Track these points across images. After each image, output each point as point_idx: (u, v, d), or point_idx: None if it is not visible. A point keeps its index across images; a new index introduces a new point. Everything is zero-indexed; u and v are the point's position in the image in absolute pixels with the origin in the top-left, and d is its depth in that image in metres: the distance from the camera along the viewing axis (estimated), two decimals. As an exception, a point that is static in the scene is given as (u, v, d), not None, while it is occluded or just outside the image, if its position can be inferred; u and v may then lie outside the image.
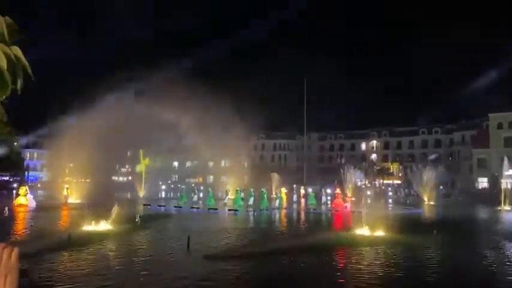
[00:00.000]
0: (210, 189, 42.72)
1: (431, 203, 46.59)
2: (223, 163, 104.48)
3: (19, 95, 2.47)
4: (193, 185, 67.21)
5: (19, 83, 2.38)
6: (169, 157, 70.39)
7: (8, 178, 73.37)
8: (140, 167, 56.14)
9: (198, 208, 35.50)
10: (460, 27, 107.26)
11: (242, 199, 38.75)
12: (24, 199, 32.82)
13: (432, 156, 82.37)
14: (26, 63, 2.40)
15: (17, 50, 2.37)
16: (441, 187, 62.31)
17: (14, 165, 63.29)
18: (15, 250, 1.22)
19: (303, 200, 47.27)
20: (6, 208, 28.06)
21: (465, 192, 62.15)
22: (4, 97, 2.23)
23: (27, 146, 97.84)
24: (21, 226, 22.96)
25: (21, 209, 30.57)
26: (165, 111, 51.77)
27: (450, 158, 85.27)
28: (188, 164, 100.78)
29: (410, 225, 23.68)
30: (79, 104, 51.85)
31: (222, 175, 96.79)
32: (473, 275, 12.01)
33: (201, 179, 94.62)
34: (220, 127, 57.85)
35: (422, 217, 32.55)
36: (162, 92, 51.85)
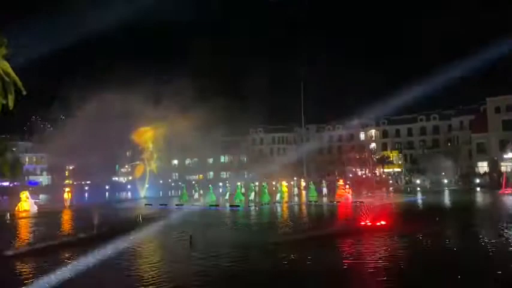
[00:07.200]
0: (210, 185, 42.69)
1: (432, 189, 46.68)
2: (222, 159, 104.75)
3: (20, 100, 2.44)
4: (193, 182, 67.33)
5: (10, 98, 2.34)
6: (169, 155, 70.18)
7: (8, 184, 73.27)
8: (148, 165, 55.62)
9: (199, 205, 35.48)
10: (456, 7, 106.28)
11: (243, 194, 38.73)
12: (27, 204, 32.81)
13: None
14: (16, 77, 2.37)
15: (6, 65, 2.33)
16: (443, 173, 62.50)
17: (14, 171, 63.28)
18: None
19: (304, 193, 47.34)
20: (8, 214, 28.04)
21: (465, 177, 62.29)
22: (-5, 114, 2.19)
23: (25, 151, 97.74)
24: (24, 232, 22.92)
25: (23, 214, 30.51)
26: (161, 108, 51.52)
27: (449, 144, 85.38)
28: (188, 161, 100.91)
29: (411, 213, 23.72)
30: (75, 105, 51.85)
31: (222, 171, 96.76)
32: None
33: (201, 176, 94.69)
34: (219, 123, 57.79)
35: (424, 204, 32.62)
36: (158, 90, 51.79)
